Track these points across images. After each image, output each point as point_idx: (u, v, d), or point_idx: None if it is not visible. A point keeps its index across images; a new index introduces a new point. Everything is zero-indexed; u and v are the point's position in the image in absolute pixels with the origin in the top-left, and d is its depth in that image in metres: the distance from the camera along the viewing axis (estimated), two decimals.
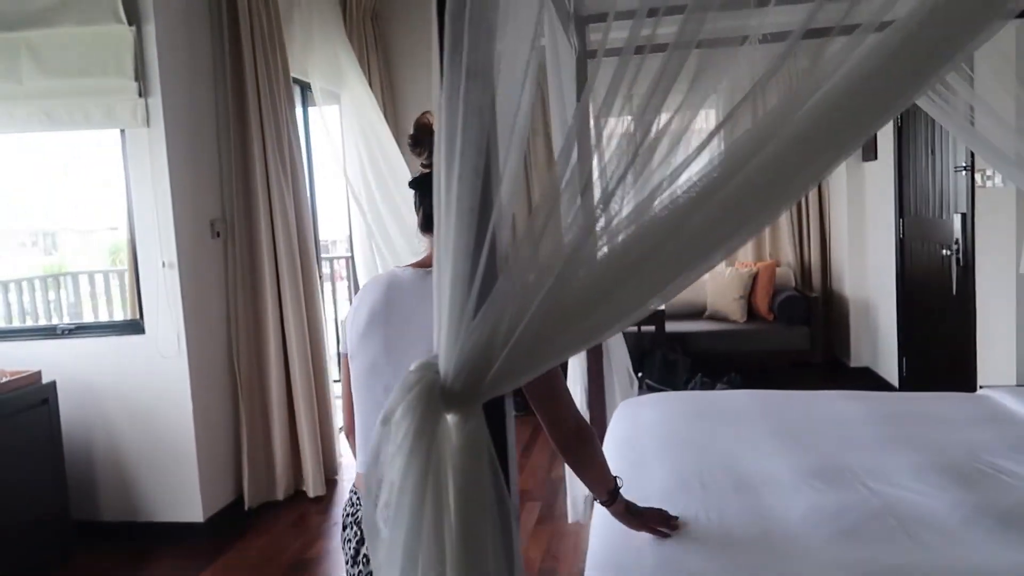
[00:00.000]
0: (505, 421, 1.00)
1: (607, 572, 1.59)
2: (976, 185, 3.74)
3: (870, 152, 5.30)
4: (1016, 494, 1.79)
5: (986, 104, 2.55)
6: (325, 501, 3.85)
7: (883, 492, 1.85)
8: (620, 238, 0.89)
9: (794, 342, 5.32)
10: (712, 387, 4.45)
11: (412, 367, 0.94)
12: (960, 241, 3.95)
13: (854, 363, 5.67)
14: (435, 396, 0.91)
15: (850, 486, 1.90)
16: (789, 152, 0.82)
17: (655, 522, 1.70)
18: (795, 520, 1.73)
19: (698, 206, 0.86)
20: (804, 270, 6.11)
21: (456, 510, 0.89)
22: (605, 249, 0.91)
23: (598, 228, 0.90)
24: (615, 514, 1.64)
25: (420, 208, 1.49)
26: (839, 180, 5.72)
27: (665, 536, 1.69)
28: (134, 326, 3.43)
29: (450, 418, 0.93)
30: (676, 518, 1.74)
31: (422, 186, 1.46)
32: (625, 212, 0.90)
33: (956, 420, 2.37)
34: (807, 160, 0.83)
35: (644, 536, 1.69)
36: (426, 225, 1.47)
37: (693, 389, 4.53)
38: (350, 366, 1.50)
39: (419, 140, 1.45)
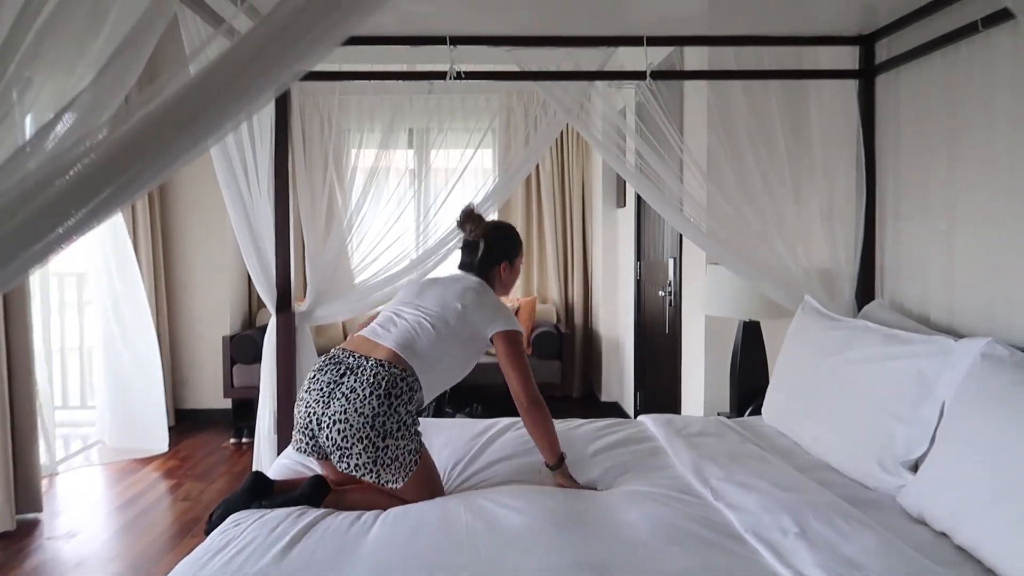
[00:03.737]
0: None
1: None
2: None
3: (621, 199, 5.69)
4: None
5: (690, 195, 3.17)
6: (14, 538, 3.51)
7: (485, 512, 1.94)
8: None
9: (546, 376, 5.54)
10: (451, 417, 4.51)
11: None
12: (672, 283, 4.29)
13: (604, 397, 5.98)
14: None
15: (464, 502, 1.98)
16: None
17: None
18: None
19: None
20: (568, 308, 6.41)
21: None
22: None
23: None
24: (557, 476, 2.21)
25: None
26: (598, 222, 6.07)
27: None
28: None
29: None
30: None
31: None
32: None
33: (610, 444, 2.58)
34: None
35: None
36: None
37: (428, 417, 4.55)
38: None
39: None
